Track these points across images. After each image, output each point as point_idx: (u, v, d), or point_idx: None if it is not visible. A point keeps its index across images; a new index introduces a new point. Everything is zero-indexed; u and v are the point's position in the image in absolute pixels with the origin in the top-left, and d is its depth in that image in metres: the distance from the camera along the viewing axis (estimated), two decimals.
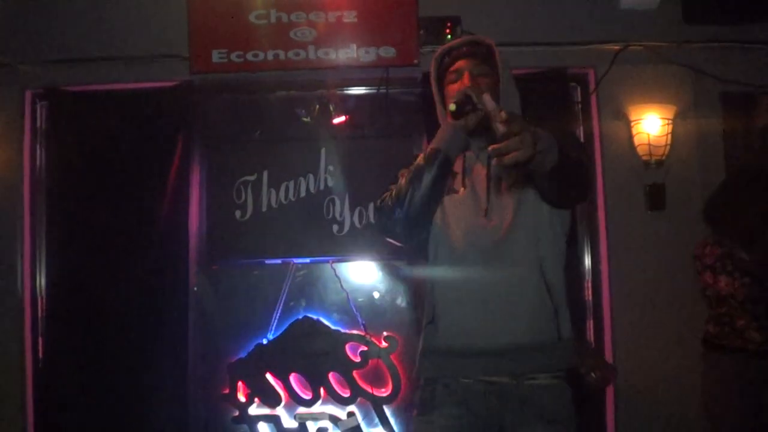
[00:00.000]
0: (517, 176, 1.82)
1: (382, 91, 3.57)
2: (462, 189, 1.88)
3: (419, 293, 3.57)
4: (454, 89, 1.86)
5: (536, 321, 1.76)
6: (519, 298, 1.76)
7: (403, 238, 1.91)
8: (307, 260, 3.56)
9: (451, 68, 1.91)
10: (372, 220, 2.02)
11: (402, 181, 1.86)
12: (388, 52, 3.52)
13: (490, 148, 1.33)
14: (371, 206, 3.46)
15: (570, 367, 1.82)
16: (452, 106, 1.77)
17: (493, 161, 1.35)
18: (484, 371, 1.77)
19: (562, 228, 1.89)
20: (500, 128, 1.32)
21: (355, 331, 3.53)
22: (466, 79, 1.85)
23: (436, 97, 1.99)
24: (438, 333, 1.82)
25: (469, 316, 1.77)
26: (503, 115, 1.31)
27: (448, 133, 1.84)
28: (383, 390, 3.48)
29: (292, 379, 3.49)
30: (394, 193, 1.85)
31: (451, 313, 1.80)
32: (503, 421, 1.75)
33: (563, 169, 1.56)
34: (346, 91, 3.67)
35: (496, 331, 1.75)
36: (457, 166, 1.90)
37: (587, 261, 3.56)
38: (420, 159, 1.85)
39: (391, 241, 1.94)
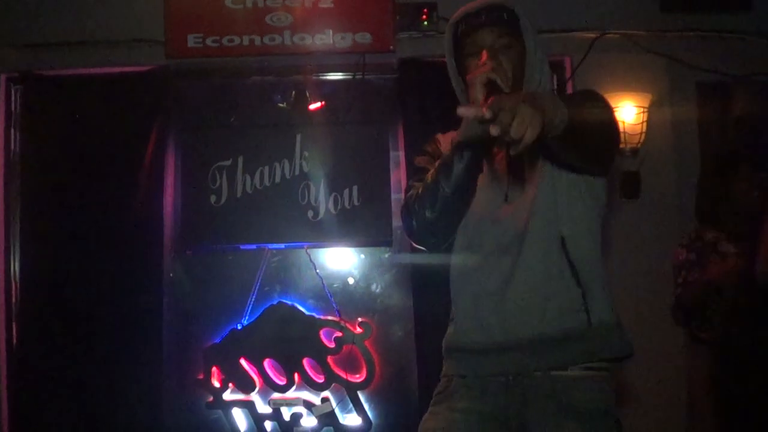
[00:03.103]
0: (537, 152, 1.62)
1: (358, 77, 3.56)
2: (481, 175, 1.68)
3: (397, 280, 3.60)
4: (473, 70, 1.55)
5: (558, 308, 1.56)
6: (538, 285, 1.57)
7: (433, 243, 1.72)
8: (282, 246, 3.56)
9: (468, 39, 1.66)
10: (403, 224, 1.69)
11: (428, 179, 1.65)
12: (365, 38, 3.51)
13: (497, 135, 1.18)
14: (346, 192, 3.47)
15: (611, 355, 1.59)
16: (489, 113, 1.44)
17: (511, 152, 1.23)
18: (505, 367, 1.58)
19: (592, 200, 1.66)
20: (488, 116, 1.18)
21: (329, 317, 3.52)
22: (483, 59, 1.56)
23: (452, 71, 1.75)
24: (456, 331, 1.67)
25: (485, 311, 1.61)
26: (485, 109, 1.19)
27: (473, 124, 1.57)
28: (357, 376, 3.49)
29: (267, 364, 3.48)
30: (419, 193, 1.65)
31: (468, 309, 1.65)
32: (525, 418, 1.55)
33: (580, 126, 1.36)
34: (322, 77, 3.66)
35: (514, 323, 1.57)
36: None
37: None
38: (446, 156, 1.64)
39: (420, 248, 1.74)
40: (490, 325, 1.60)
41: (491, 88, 1.49)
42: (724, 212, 2.91)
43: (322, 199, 3.48)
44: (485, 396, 1.59)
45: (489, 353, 1.60)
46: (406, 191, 1.72)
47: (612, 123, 1.54)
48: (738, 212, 2.88)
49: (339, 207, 3.48)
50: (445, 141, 1.77)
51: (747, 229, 2.78)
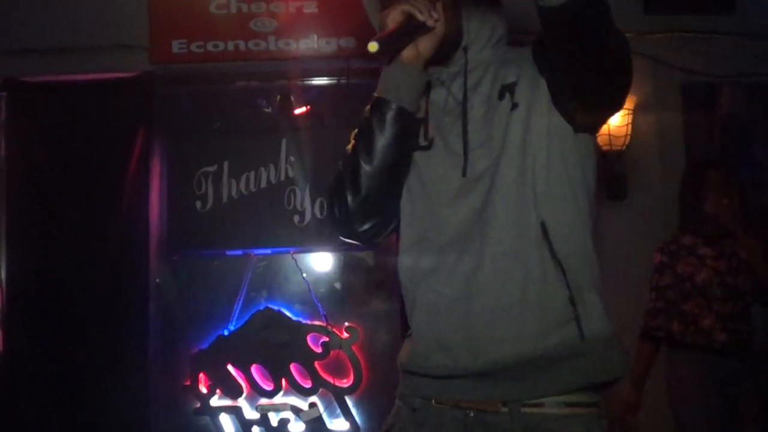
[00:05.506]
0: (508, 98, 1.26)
1: (343, 81, 3.56)
2: (426, 142, 1.32)
3: (380, 281, 3.59)
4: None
5: (542, 320, 1.19)
6: (513, 289, 1.20)
7: (364, 235, 1.35)
8: (269, 251, 3.56)
9: None
10: (329, 220, 1.37)
11: (347, 152, 1.31)
12: (349, 42, 3.52)
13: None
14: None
15: (608, 377, 1.24)
16: (373, 45, 1.17)
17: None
18: (466, 396, 1.24)
19: (578, 168, 1.25)
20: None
21: (316, 322, 3.52)
22: None
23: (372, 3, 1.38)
24: (413, 350, 1.31)
25: (445, 325, 1.25)
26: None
27: (395, 73, 1.26)
28: (345, 381, 3.48)
29: (254, 370, 3.48)
30: (339, 173, 1.33)
31: (423, 323, 1.28)
32: None
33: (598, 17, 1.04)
34: (306, 82, 3.66)
35: (483, 342, 1.21)
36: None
37: None
38: (363, 120, 1.30)
39: (352, 242, 1.39)
40: (452, 345, 1.24)
41: (408, 23, 1.21)
42: (698, 221, 2.88)
43: (307, 204, 3.49)
44: None
45: (451, 379, 1.25)
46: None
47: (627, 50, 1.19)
48: (710, 222, 2.85)
49: (324, 212, 3.47)
50: None
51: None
